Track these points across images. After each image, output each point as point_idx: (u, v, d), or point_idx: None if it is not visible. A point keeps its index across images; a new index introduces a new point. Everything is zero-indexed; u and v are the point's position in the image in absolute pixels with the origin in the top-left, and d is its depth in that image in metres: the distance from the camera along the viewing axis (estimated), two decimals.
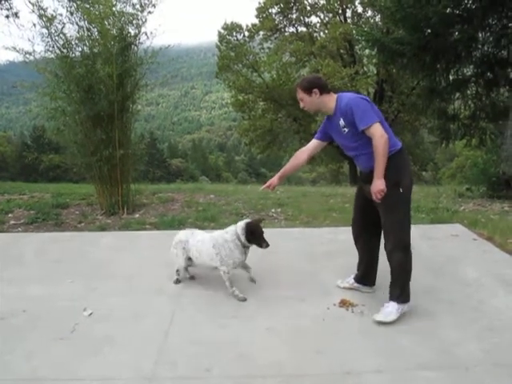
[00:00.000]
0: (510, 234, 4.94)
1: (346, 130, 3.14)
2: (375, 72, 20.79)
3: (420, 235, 4.77)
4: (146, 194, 7.31)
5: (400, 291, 3.19)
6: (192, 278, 3.90)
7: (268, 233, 5.21)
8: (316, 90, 3.21)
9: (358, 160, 3.29)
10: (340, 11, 22.49)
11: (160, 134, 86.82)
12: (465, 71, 9.01)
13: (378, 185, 3.01)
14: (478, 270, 4.04)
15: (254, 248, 3.77)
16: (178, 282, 3.84)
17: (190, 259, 3.74)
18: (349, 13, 22.62)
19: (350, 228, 5.19)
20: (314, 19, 23.24)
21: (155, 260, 4.35)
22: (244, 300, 3.50)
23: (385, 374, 2.59)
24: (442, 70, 8.66)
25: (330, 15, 22.71)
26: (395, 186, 3.06)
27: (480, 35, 8.35)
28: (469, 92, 9.16)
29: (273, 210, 6.24)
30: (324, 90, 3.23)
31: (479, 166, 7.82)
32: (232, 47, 22.90)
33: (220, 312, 3.32)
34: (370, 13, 21.84)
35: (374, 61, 18.82)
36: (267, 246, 3.53)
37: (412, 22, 8.00)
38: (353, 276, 3.68)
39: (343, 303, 3.39)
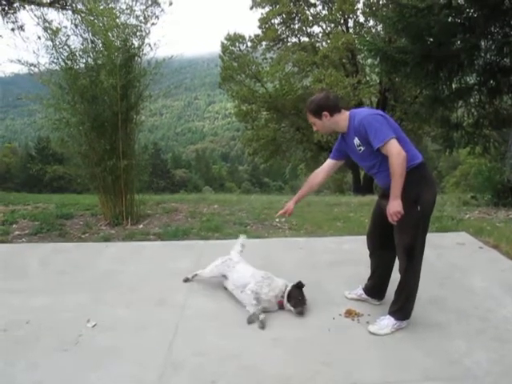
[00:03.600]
0: None
1: (362, 148, 3.00)
2: (378, 81, 20.82)
3: (425, 244, 4.73)
4: (150, 204, 7.30)
5: (398, 308, 3.14)
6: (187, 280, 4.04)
7: (272, 242, 5.23)
8: (326, 113, 3.07)
9: (377, 177, 3.13)
10: (342, 21, 22.59)
11: (164, 145, 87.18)
12: (468, 79, 9.01)
13: (395, 206, 2.84)
14: (485, 278, 4.01)
15: (256, 257, 3.76)
16: (187, 280, 4.02)
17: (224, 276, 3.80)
18: (351, 23, 22.70)
19: (354, 237, 5.21)
20: (316, 29, 23.39)
21: (159, 271, 4.34)
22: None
23: None
24: (445, 78, 8.66)
25: (332, 25, 22.82)
26: (413, 204, 2.90)
27: (482, 43, 8.37)
28: (472, 100, 9.16)
29: (277, 220, 6.22)
30: (334, 110, 3.07)
31: (484, 173, 7.79)
32: (235, 58, 23.04)
33: (224, 323, 3.30)
34: (371, 22, 21.94)
35: (377, 70, 18.77)
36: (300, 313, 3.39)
37: (414, 31, 8.03)
38: (361, 287, 3.61)
39: (349, 313, 3.36)
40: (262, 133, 22.83)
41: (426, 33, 7.91)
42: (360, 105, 20.76)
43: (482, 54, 8.47)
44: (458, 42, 8.18)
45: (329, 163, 3.42)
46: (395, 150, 2.78)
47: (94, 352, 2.92)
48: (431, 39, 8.13)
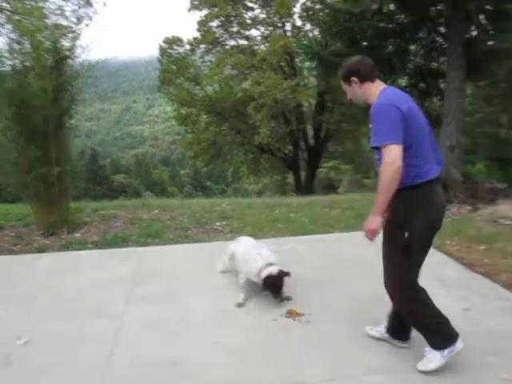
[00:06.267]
0: (446, 235, 5.14)
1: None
2: (316, 84, 21.26)
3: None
4: (87, 212, 7.04)
5: (427, 336, 2.67)
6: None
7: (213, 246, 5.19)
8: (355, 79, 2.64)
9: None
10: (280, 25, 22.90)
11: (102, 150, 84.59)
12: (400, 82, 9.42)
13: (371, 223, 2.50)
14: None
15: (197, 262, 3.70)
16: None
17: None
18: (288, 26, 23.08)
19: (294, 238, 5.26)
20: (254, 32, 23.54)
21: (97, 280, 4.18)
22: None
23: (336, 381, 2.61)
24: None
25: (271, 28, 23.06)
26: (399, 228, 2.58)
27: (412, 48, 8.79)
28: None
29: (217, 224, 6.18)
30: (366, 78, 2.63)
31: None
32: (173, 61, 22.74)
33: (166, 329, 3.23)
34: (308, 26, 22.36)
35: (315, 73, 19.27)
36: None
37: (348, 36, 8.29)
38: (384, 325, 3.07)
39: (290, 313, 3.38)
40: (203, 136, 22.68)
41: (360, 37, 8.20)
42: (299, 107, 21.14)
43: (412, 58, 8.89)
44: (390, 46, 8.53)
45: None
46: (388, 159, 2.36)
47: (27, 372, 2.76)
48: (365, 43, 8.42)
